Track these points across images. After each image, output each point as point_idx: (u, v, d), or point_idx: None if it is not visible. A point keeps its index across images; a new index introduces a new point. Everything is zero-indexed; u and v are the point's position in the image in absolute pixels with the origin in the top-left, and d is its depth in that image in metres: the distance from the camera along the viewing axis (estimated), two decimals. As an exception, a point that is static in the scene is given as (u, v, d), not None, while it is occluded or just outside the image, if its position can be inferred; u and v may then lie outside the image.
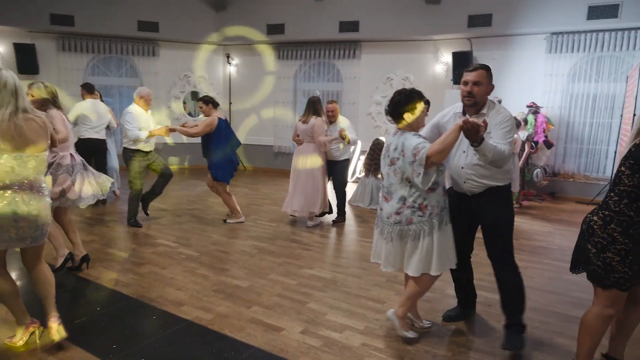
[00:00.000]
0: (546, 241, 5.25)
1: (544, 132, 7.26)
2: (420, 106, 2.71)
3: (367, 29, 8.64)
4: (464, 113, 2.75)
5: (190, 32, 9.61)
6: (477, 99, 2.66)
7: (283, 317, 3.16)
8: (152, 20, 9.21)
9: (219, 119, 5.35)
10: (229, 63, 10.19)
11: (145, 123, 5.20)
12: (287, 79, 9.87)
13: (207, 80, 10.29)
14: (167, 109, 9.86)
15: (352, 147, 8.25)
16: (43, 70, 8.71)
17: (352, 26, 8.72)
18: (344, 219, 5.91)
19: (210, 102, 5.44)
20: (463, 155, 2.74)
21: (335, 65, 9.51)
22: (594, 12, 6.95)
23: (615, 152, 7.10)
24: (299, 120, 5.49)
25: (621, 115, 6.98)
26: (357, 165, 8.58)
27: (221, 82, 10.48)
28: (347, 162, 5.94)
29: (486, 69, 2.70)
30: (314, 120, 5.29)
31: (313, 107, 5.35)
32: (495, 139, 2.56)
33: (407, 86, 10.19)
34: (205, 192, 7.54)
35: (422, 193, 2.64)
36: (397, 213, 2.69)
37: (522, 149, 6.81)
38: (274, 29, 9.37)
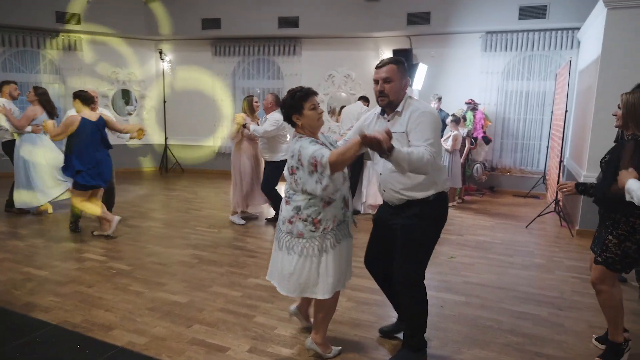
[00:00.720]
0: (490, 235, 5.34)
1: (482, 128, 7.46)
2: (308, 105, 2.40)
3: (307, 25, 8.46)
4: (382, 113, 2.51)
5: (118, 25, 8.89)
6: (390, 97, 2.38)
7: (228, 335, 2.88)
8: (73, 12, 8.43)
9: (83, 118, 4.61)
10: (162, 59, 9.59)
11: None
12: (224, 76, 9.45)
13: (138, 78, 9.62)
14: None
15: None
16: (-57, 66, 7.71)
17: (292, 22, 8.51)
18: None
19: (77, 97, 4.61)
20: (381, 161, 2.43)
21: (275, 62, 9.24)
22: (525, 13, 7.23)
23: (548, 147, 7.43)
24: None
25: (552, 112, 7.32)
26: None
27: (154, 79, 9.83)
28: (280, 164, 5.28)
29: (397, 62, 2.41)
30: None
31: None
32: (413, 141, 2.29)
33: (349, 84, 9.96)
34: (139, 198, 7.02)
35: (318, 207, 2.39)
36: (290, 222, 2.45)
37: (463, 145, 6.96)
38: (209, 24, 8.93)
